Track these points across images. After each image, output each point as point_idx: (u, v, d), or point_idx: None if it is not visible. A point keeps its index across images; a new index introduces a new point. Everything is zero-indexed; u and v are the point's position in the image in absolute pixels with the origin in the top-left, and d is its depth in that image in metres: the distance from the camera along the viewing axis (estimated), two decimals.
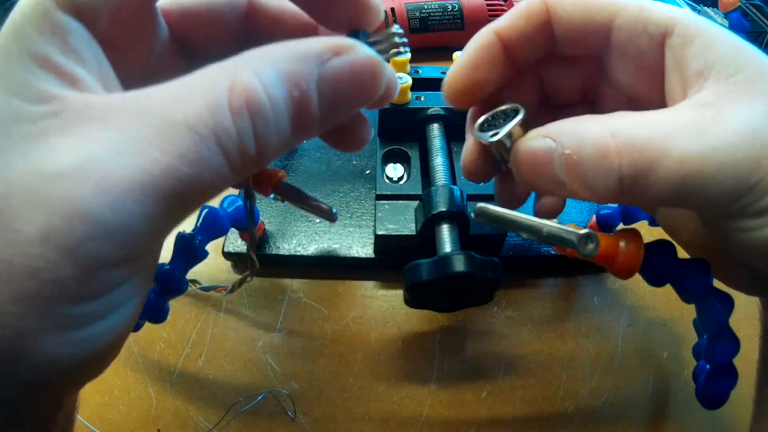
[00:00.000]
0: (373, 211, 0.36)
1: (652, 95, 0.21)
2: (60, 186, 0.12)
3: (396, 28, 0.18)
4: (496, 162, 0.22)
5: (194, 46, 0.20)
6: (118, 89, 0.16)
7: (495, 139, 0.20)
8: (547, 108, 0.25)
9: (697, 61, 0.18)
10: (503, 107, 0.21)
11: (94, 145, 0.13)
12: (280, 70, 0.14)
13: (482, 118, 0.22)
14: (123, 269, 0.14)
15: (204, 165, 0.13)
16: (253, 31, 0.21)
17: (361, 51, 0.16)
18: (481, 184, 0.25)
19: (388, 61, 0.18)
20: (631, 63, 0.21)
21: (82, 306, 0.13)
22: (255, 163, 0.15)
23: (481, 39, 0.22)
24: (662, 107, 0.18)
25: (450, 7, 0.50)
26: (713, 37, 0.18)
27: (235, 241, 0.36)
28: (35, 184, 0.12)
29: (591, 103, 0.24)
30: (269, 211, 0.38)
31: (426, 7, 0.50)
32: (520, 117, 0.20)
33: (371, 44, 0.18)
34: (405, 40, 0.19)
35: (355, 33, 0.18)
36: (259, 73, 0.14)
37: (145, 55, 0.18)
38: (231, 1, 0.20)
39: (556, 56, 0.23)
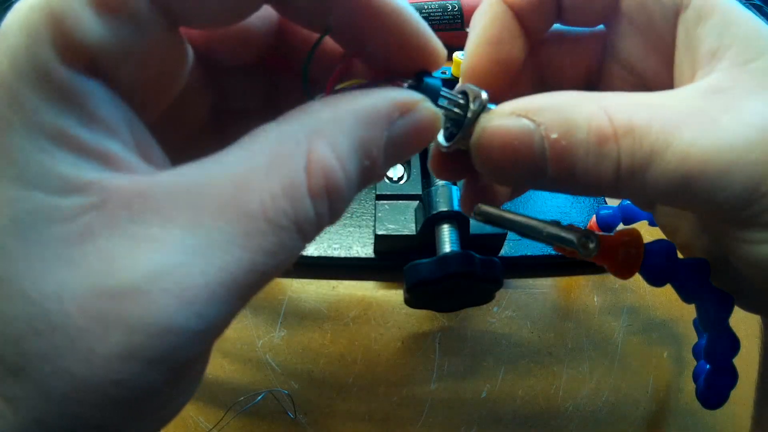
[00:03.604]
0: (373, 211, 0.36)
1: (661, 74, 0.19)
2: (136, 304, 0.11)
3: (484, 96, 0.16)
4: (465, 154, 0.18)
5: (221, 61, 0.18)
6: (158, 156, 0.14)
7: (452, 145, 0.17)
8: None
9: (711, 40, 0.16)
10: (456, 93, 0.17)
11: (164, 250, 0.11)
12: (352, 139, 0.13)
13: None
14: (203, 358, 0.13)
15: (286, 253, 0.12)
16: (284, 44, 0.18)
17: (426, 109, 0.14)
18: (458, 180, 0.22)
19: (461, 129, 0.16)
20: (640, 34, 0.18)
21: (167, 397, 0.13)
22: (321, 231, 0.14)
23: (491, 11, 0.19)
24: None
25: (450, 7, 0.50)
26: (733, 15, 0.16)
27: None
28: (100, 302, 0.11)
29: (593, 87, 0.21)
30: None
31: (426, 7, 0.50)
32: (479, 106, 0.16)
33: (444, 98, 0.16)
34: (487, 107, 0.16)
35: (425, 75, 0.16)
36: (333, 145, 0.13)
37: (175, 90, 0.16)
38: (262, 18, 0.17)
39: (559, 35, 0.21)
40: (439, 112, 0.15)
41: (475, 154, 0.16)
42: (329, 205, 0.13)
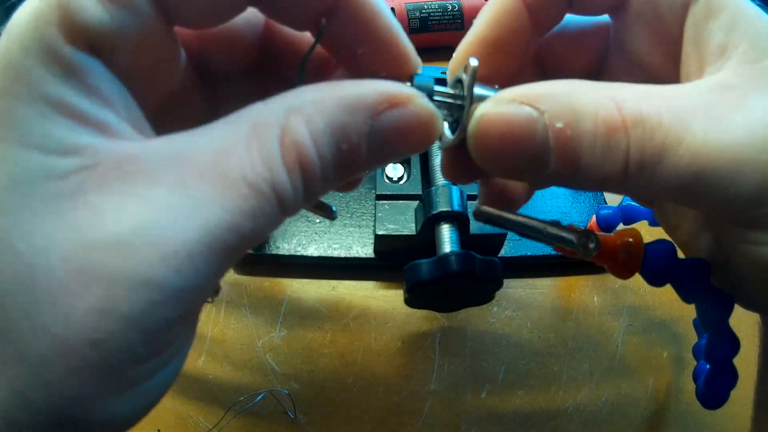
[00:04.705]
0: (373, 211, 0.36)
1: (666, 68, 0.18)
2: (118, 256, 0.11)
3: (473, 63, 0.15)
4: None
5: (212, 67, 0.18)
6: (149, 132, 0.15)
7: (458, 135, 0.16)
8: None
9: (720, 36, 0.15)
10: (450, 85, 0.17)
11: (149, 206, 0.12)
12: (330, 120, 0.13)
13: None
14: (184, 323, 0.13)
15: (265, 219, 0.13)
16: (272, 52, 0.19)
17: (418, 105, 0.14)
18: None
19: (457, 119, 0.16)
20: (646, 26, 0.18)
21: (145, 365, 0.13)
22: (300, 208, 0.14)
23: (503, 4, 0.18)
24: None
25: (450, 7, 0.50)
26: (743, 12, 0.15)
27: None
28: (84, 254, 0.11)
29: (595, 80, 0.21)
30: None
31: (426, 7, 0.50)
32: (472, 75, 0.15)
33: (439, 93, 0.16)
34: (489, 93, 0.16)
35: (416, 75, 0.16)
36: (308, 123, 0.13)
37: (167, 85, 0.17)
38: (248, 22, 0.18)
39: (562, 27, 0.20)
40: (437, 111, 0.15)
41: (472, 144, 0.15)
42: (302, 179, 0.13)
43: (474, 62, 0.15)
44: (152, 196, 0.12)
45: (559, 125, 0.14)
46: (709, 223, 0.18)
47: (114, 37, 0.13)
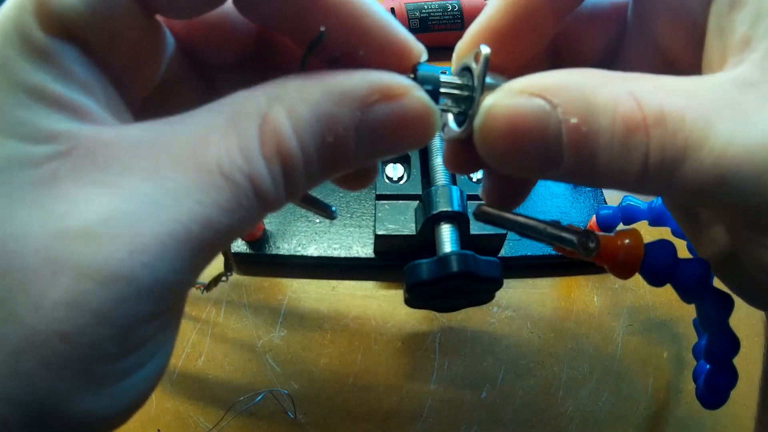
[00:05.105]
0: (373, 211, 0.36)
1: (687, 54, 0.17)
2: (86, 246, 0.11)
3: (485, 51, 0.14)
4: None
5: (206, 57, 0.18)
6: (129, 118, 0.14)
7: (466, 127, 0.15)
8: None
9: (745, 28, 0.14)
10: (456, 74, 0.15)
11: (121, 196, 0.11)
12: (315, 110, 0.13)
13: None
14: (158, 321, 0.13)
15: (241, 213, 0.12)
16: (269, 41, 0.18)
17: (414, 99, 0.14)
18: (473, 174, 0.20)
19: (467, 111, 0.14)
20: (668, 8, 0.17)
21: (119, 363, 0.12)
22: (283, 203, 0.14)
23: None
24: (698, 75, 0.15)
25: (450, 7, 0.50)
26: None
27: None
28: (55, 243, 0.11)
29: (610, 64, 0.19)
30: None
31: (426, 7, 0.50)
32: (484, 64, 0.14)
33: (446, 84, 0.15)
34: (498, 82, 0.14)
35: (420, 65, 0.15)
36: (290, 111, 0.13)
37: (151, 74, 0.16)
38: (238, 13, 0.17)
39: (579, 10, 0.18)
40: (434, 107, 0.14)
41: (478, 140, 0.14)
42: (283, 171, 0.13)
43: (486, 50, 0.14)
44: (125, 184, 0.12)
45: (573, 120, 0.13)
46: (727, 226, 0.17)
47: (88, 23, 0.12)
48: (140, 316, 0.12)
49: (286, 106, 0.13)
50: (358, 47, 0.14)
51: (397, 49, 0.15)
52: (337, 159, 0.14)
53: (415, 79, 0.14)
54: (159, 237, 0.11)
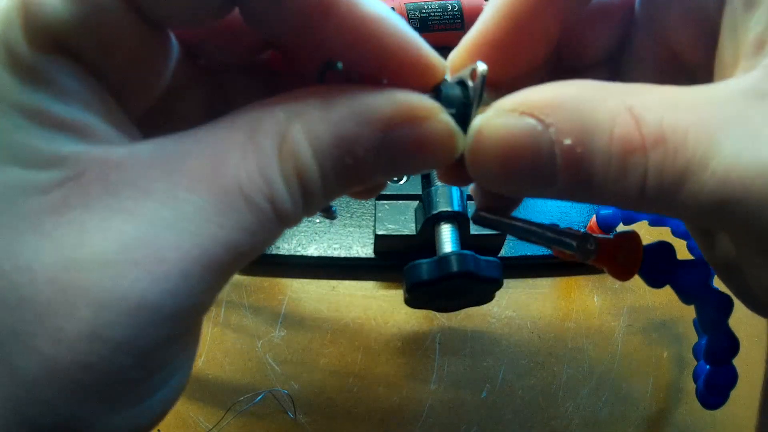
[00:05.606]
0: (373, 211, 0.36)
1: (699, 52, 0.16)
2: (104, 276, 0.10)
3: (481, 68, 0.13)
4: None
5: (212, 62, 0.17)
6: (137, 135, 0.13)
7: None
8: (558, 74, 0.17)
9: (759, 29, 0.13)
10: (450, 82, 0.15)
11: (137, 222, 0.11)
12: (335, 130, 0.12)
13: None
14: (180, 342, 0.13)
15: (263, 234, 0.12)
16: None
17: (438, 123, 0.13)
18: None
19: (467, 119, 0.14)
20: (681, 4, 0.16)
21: (141, 386, 0.12)
22: (300, 220, 0.13)
23: None
24: (710, 77, 0.14)
25: (450, 7, 0.50)
26: None
27: None
28: (68, 274, 0.11)
29: (616, 62, 0.18)
30: None
31: (426, 7, 0.50)
32: (481, 80, 0.13)
33: (450, 95, 0.14)
34: (488, 98, 0.14)
35: (443, 84, 0.14)
36: (310, 132, 0.12)
37: (154, 82, 0.15)
38: None
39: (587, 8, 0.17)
40: (458, 130, 0.13)
41: (468, 161, 0.14)
42: (302, 192, 0.12)
43: (483, 67, 0.13)
44: (141, 210, 0.11)
45: (567, 141, 0.12)
46: (734, 243, 0.16)
47: (79, 34, 0.12)
48: (163, 341, 0.11)
49: (305, 125, 0.12)
50: (377, 69, 0.14)
51: (419, 68, 0.14)
52: (355, 178, 0.13)
53: (437, 98, 0.14)
54: (181, 264, 0.11)
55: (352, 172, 0.13)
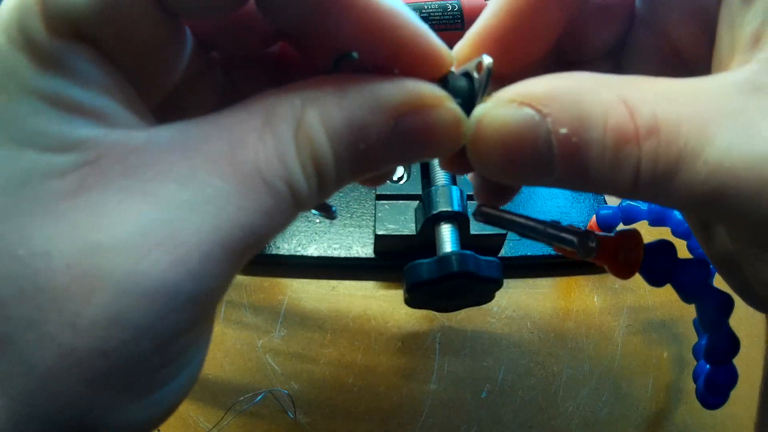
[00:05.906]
0: (373, 211, 0.36)
1: (698, 46, 0.16)
2: (123, 259, 0.10)
3: (487, 61, 0.14)
4: None
5: (225, 52, 0.17)
6: (151, 119, 0.13)
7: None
8: (560, 67, 0.17)
9: (755, 24, 0.13)
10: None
11: (158, 204, 0.11)
12: (349, 117, 0.12)
13: None
14: (198, 328, 0.13)
15: (281, 216, 0.12)
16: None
17: (446, 111, 0.13)
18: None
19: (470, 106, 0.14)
20: (681, 0, 0.16)
21: (159, 374, 0.12)
22: (314, 205, 0.14)
23: None
24: (710, 71, 0.14)
25: (450, 7, 0.50)
26: None
27: None
28: (86, 258, 0.10)
29: (617, 56, 0.19)
30: None
31: (426, 7, 0.50)
32: (486, 74, 0.14)
33: (456, 85, 0.15)
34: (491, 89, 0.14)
35: (450, 75, 0.15)
36: (324, 116, 0.12)
37: (171, 71, 0.15)
38: None
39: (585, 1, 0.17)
40: (465, 118, 0.14)
41: (469, 150, 0.14)
42: (317, 176, 0.13)
43: (488, 60, 0.14)
44: (161, 191, 0.11)
45: (563, 131, 0.12)
46: (729, 235, 0.16)
47: (98, 22, 0.12)
48: (183, 326, 0.11)
49: (320, 111, 0.12)
50: (389, 59, 0.14)
51: (429, 59, 0.14)
52: (367, 164, 0.14)
53: (444, 88, 0.14)
54: (202, 246, 0.11)
55: (364, 157, 0.13)
